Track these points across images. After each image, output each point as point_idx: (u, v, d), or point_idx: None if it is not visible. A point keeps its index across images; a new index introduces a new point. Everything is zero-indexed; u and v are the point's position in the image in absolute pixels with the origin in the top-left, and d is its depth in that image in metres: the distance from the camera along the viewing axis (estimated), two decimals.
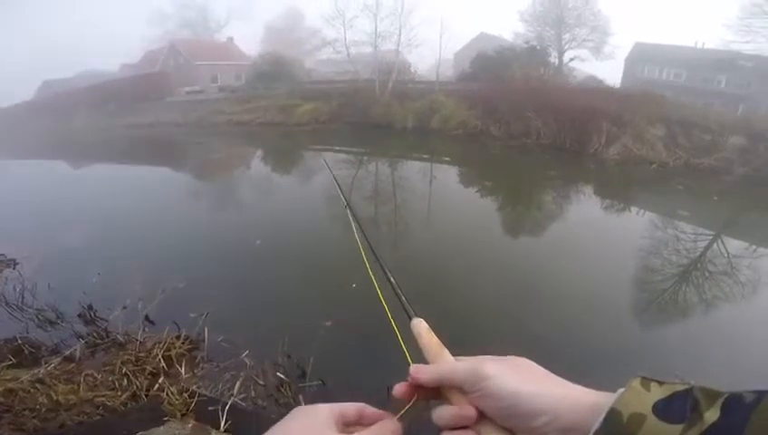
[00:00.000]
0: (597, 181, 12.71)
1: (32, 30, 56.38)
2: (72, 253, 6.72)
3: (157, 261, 6.43)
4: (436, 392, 0.51)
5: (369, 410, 0.52)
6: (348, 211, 1.06)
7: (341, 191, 1.24)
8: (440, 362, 0.52)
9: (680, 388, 0.39)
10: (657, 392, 0.39)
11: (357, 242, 0.91)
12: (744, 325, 5.10)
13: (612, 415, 0.39)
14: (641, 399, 0.39)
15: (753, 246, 7.72)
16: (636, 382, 0.41)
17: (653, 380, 0.41)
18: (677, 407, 0.37)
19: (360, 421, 0.52)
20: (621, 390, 0.41)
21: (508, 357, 0.51)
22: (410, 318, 0.59)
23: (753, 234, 8.75)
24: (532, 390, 0.45)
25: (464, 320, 4.51)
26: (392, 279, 0.69)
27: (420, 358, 0.55)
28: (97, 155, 18.55)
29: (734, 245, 7.68)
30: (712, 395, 0.37)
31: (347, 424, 0.50)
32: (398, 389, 0.52)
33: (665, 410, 0.38)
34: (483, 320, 4.78)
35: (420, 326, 0.57)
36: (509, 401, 0.45)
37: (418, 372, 0.51)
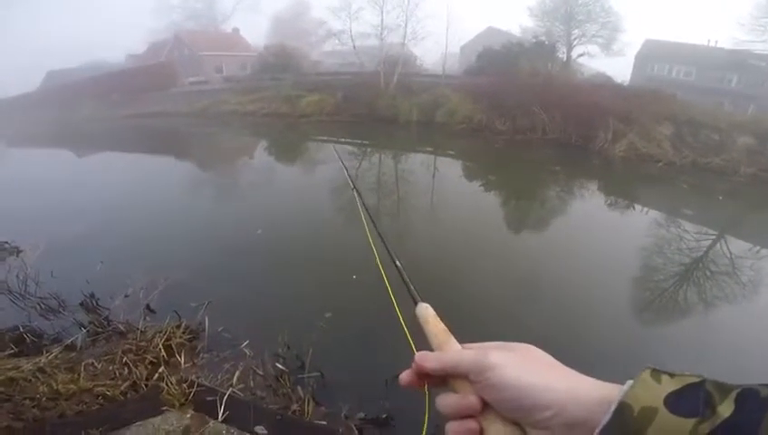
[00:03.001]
0: (602, 178, 12.61)
1: (37, 21, 56.42)
2: (76, 241, 6.75)
3: (159, 250, 6.46)
4: (442, 380, 0.50)
5: None
6: (355, 194, 1.05)
7: (349, 175, 1.23)
8: (446, 349, 0.51)
9: (692, 380, 0.37)
10: (669, 385, 0.38)
11: (363, 226, 0.90)
12: (744, 325, 5.07)
13: (622, 409, 0.37)
14: (652, 391, 0.38)
15: (757, 247, 7.65)
16: (646, 374, 0.39)
17: (664, 371, 0.39)
18: (690, 400, 0.36)
19: None
20: (630, 381, 0.39)
21: (516, 344, 0.50)
22: (416, 303, 0.58)
23: (758, 235, 8.67)
24: (538, 382, 0.43)
25: (465, 313, 4.50)
26: (398, 262, 0.69)
27: (424, 344, 0.54)
28: (101, 144, 18.62)
29: (737, 245, 7.61)
30: (725, 388, 0.36)
31: None
32: (404, 377, 0.51)
33: (677, 403, 0.36)
34: (485, 314, 4.77)
35: (426, 312, 0.56)
36: (513, 393, 0.44)
37: (423, 359, 0.50)
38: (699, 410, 0.35)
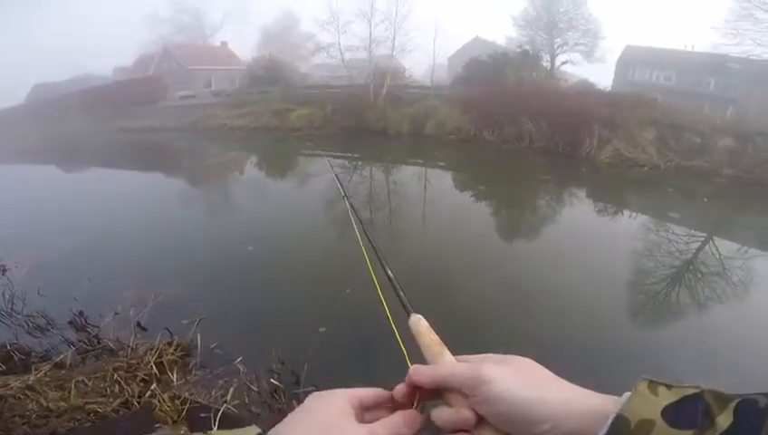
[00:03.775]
0: (589, 184, 12.81)
1: (24, 31, 56.07)
2: (63, 259, 6.64)
3: (149, 267, 6.37)
4: (436, 393, 0.49)
5: (387, 395, 0.51)
6: (346, 202, 1.05)
7: (340, 182, 1.24)
8: (440, 362, 0.51)
9: (690, 391, 0.37)
10: (666, 396, 0.37)
11: (355, 235, 0.89)
12: (737, 325, 5.14)
13: (619, 422, 0.37)
14: (649, 404, 0.37)
15: (744, 247, 7.81)
16: (643, 386, 0.39)
17: (661, 383, 0.39)
18: (688, 412, 0.35)
19: (380, 406, 0.51)
20: (627, 394, 0.39)
21: (510, 357, 0.49)
22: (408, 314, 0.57)
23: (743, 235, 8.86)
24: (534, 396, 0.43)
25: (461, 323, 4.51)
26: (390, 272, 0.68)
27: (420, 356, 0.53)
28: (89, 160, 18.40)
29: (725, 246, 7.75)
30: (723, 399, 0.35)
31: (365, 410, 0.50)
32: (398, 390, 0.51)
33: (674, 415, 0.36)
34: (480, 323, 4.79)
35: (420, 324, 0.55)
36: (509, 408, 0.43)
37: (417, 373, 0.49)
38: (697, 422, 0.34)
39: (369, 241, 0.80)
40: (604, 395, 0.42)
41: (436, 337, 0.54)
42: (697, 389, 0.37)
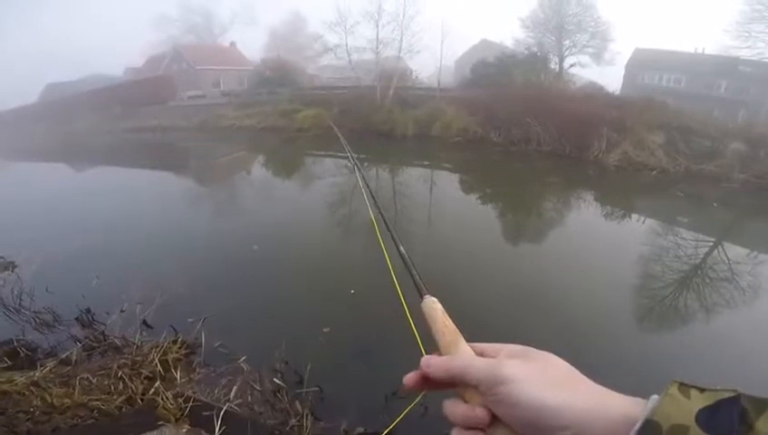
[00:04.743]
0: (597, 188, 12.69)
1: (38, 32, 56.96)
2: (72, 256, 6.70)
3: (156, 266, 6.41)
4: (449, 384, 0.47)
5: None
6: (356, 170, 1.05)
7: (348, 149, 1.24)
8: (455, 352, 0.48)
9: (726, 395, 0.34)
10: (699, 400, 0.35)
11: (363, 209, 0.89)
12: (745, 330, 5.05)
13: (649, 427, 0.34)
14: (682, 408, 0.35)
15: (754, 253, 7.68)
16: (673, 388, 0.36)
17: (692, 385, 0.36)
18: (724, 417, 0.33)
19: None
20: (655, 397, 0.37)
21: (534, 353, 0.47)
22: (422, 297, 0.54)
23: (754, 240, 8.72)
24: (555, 400, 0.40)
25: (463, 322, 4.48)
26: (401, 248, 0.65)
27: (434, 342, 0.50)
28: (99, 158, 18.63)
29: (734, 251, 7.64)
30: (760, 403, 0.33)
31: None
32: (408, 379, 0.49)
33: (710, 420, 0.33)
34: (484, 321, 4.75)
35: (434, 308, 0.53)
36: (528, 412, 0.40)
37: (429, 366, 0.47)
38: (735, 427, 0.32)
39: (380, 212, 0.77)
40: (633, 398, 0.40)
41: (452, 324, 0.51)
42: (734, 392, 0.34)
